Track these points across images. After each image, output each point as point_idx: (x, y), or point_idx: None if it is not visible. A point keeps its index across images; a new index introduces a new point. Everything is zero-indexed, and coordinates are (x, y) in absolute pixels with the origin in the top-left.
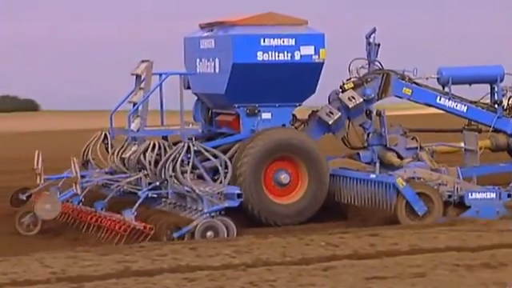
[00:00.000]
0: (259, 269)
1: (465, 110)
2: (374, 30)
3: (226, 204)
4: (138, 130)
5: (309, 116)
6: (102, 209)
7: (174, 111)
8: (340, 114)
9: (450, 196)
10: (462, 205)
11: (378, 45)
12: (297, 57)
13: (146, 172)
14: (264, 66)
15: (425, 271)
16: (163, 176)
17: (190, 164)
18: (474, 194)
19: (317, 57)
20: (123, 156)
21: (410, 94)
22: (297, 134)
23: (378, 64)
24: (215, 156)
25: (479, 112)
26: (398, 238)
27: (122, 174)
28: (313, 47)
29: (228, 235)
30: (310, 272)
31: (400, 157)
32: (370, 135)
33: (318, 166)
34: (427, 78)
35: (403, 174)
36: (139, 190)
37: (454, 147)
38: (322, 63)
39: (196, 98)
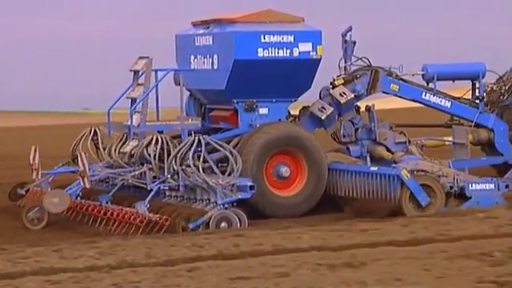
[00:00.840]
0: (124, 270)
1: (449, 106)
2: (349, 29)
3: (239, 196)
4: (138, 125)
5: (300, 111)
6: (107, 202)
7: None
8: (332, 109)
9: (451, 187)
10: (462, 196)
11: (354, 42)
12: (295, 53)
13: (150, 166)
14: (264, 62)
15: (288, 271)
16: (174, 169)
17: (201, 157)
18: (474, 185)
19: (314, 53)
20: (123, 151)
21: (397, 90)
22: (298, 129)
23: (367, 60)
24: (224, 149)
25: (462, 107)
26: (262, 239)
27: (123, 169)
28: (311, 44)
29: (240, 226)
30: (175, 273)
31: (389, 151)
32: (359, 130)
33: (317, 160)
34: (413, 75)
35: (406, 166)
36: (144, 183)
37: (443, 141)
38: (319, 59)
39: (189, 94)
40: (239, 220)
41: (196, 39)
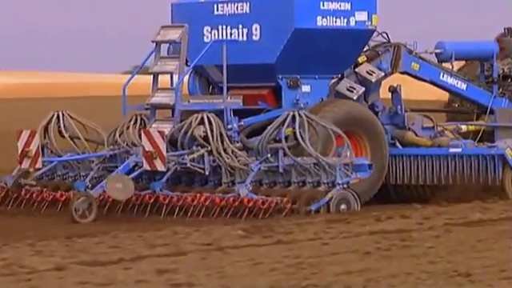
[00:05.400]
0: None
1: (464, 88)
2: None
3: (358, 175)
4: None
5: None
6: (160, 190)
7: None
8: (364, 89)
9: None
10: None
11: None
12: (352, 23)
13: (208, 148)
14: (323, 31)
15: None
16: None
17: (307, 136)
18: None
19: (369, 23)
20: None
21: (417, 69)
22: (363, 109)
23: (386, 36)
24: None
25: (478, 91)
26: None
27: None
28: (366, 13)
29: (357, 208)
30: None
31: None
32: (379, 114)
33: (381, 141)
34: (430, 53)
35: (506, 146)
36: (202, 168)
37: (483, 126)
38: (374, 30)
39: (192, 71)
40: (356, 201)
41: (216, 7)
